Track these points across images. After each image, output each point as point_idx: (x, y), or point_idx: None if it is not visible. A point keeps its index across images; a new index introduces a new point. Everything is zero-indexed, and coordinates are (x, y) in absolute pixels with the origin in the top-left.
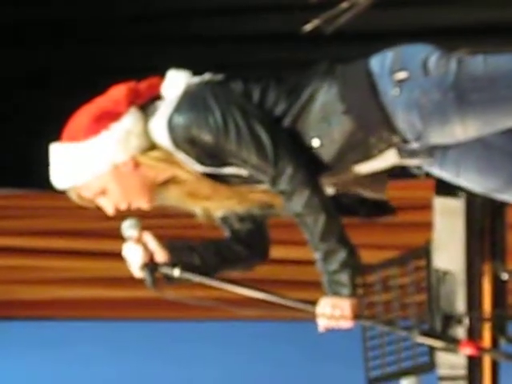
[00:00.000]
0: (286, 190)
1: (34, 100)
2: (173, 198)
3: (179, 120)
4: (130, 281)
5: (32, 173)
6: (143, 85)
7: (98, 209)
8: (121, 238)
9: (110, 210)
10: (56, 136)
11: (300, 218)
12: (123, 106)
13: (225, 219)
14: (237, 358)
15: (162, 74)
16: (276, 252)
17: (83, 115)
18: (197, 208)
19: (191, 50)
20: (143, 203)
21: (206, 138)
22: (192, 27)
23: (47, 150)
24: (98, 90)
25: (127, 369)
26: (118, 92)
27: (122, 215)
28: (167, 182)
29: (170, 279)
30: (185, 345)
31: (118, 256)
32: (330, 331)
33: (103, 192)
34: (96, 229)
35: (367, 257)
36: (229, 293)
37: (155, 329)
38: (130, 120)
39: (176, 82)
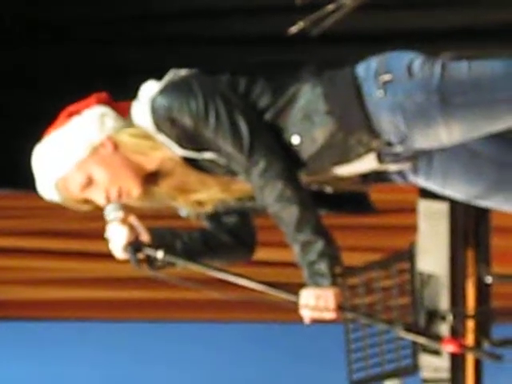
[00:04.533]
0: (258, 184)
1: (22, 100)
2: (164, 194)
3: (162, 101)
4: (123, 281)
5: (22, 173)
6: (119, 103)
7: (97, 209)
8: (107, 239)
9: (101, 199)
10: (42, 137)
11: (273, 210)
12: (94, 104)
13: (211, 214)
14: (222, 360)
15: (154, 76)
16: (260, 254)
17: (57, 118)
18: (187, 204)
19: (179, 52)
20: (133, 188)
21: (186, 120)
22: (180, 29)
23: (32, 150)
24: (88, 90)
25: (119, 369)
26: (89, 98)
27: None
28: (156, 177)
29: (152, 262)
30: (173, 346)
31: (110, 256)
32: (313, 331)
33: (90, 181)
34: (88, 229)
35: (351, 259)
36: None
37: (147, 329)
38: (102, 106)
39: (152, 85)
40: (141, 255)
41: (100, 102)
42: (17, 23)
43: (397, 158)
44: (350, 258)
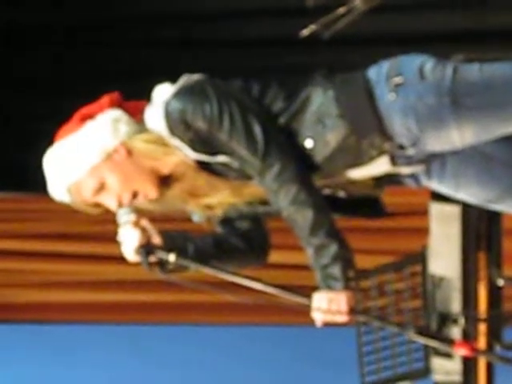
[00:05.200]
0: (272, 187)
1: (28, 103)
2: (175, 197)
3: (176, 104)
4: (134, 284)
5: (26, 176)
6: (130, 103)
7: (107, 212)
8: (116, 242)
9: (113, 205)
10: (51, 139)
11: (287, 214)
12: (107, 107)
13: (223, 218)
14: (232, 363)
15: (159, 78)
16: (273, 257)
17: (70, 120)
18: (198, 207)
19: (190, 54)
20: (150, 191)
21: (200, 124)
22: (190, 32)
23: (42, 152)
24: (98, 92)
25: (129, 372)
26: (102, 99)
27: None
28: (168, 180)
29: (164, 265)
30: (179, 349)
31: (120, 259)
32: (325, 334)
33: (102, 186)
34: (97, 232)
35: (363, 262)
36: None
37: (156, 332)
38: (116, 111)
39: (166, 88)
40: (153, 258)
41: (113, 103)
42: (17, 25)
43: (409, 160)
44: (362, 261)
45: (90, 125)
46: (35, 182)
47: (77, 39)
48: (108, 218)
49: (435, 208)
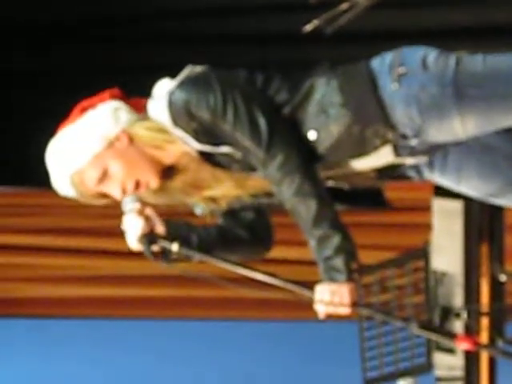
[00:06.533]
0: (276, 177)
1: (32, 98)
2: (178, 190)
3: (180, 95)
4: (130, 279)
5: (30, 170)
6: (131, 99)
7: (112, 207)
8: (120, 237)
9: (117, 193)
10: (53, 134)
11: (291, 204)
12: (108, 99)
13: (226, 211)
14: (234, 358)
15: (161, 75)
16: (277, 252)
17: (71, 113)
18: (202, 200)
19: (191, 50)
20: (151, 179)
21: (204, 114)
22: (192, 27)
23: (45, 147)
24: (98, 88)
25: (126, 368)
26: (102, 93)
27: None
28: (171, 172)
29: (167, 255)
30: (183, 344)
31: (118, 254)
32: (327, 329)
33: (105, 174)
34: (95, 227)
35: (365, 257)
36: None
37: (155, 328)
38: (117, 101)
39: (167, 82)
40: (156, 247)
41: (113, 96)
42: (17, 24)
43: (412, 151)
44: (364, 256)
45: (90, 113)
46: (38, 177)
47: (77, 36)
48: (112, 213)
49: (438, 203)
